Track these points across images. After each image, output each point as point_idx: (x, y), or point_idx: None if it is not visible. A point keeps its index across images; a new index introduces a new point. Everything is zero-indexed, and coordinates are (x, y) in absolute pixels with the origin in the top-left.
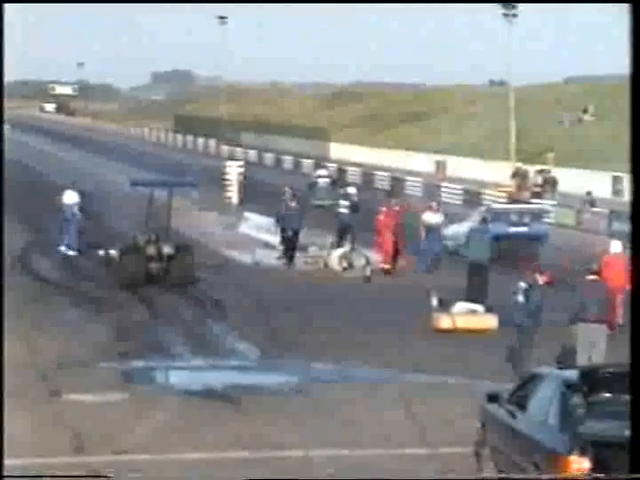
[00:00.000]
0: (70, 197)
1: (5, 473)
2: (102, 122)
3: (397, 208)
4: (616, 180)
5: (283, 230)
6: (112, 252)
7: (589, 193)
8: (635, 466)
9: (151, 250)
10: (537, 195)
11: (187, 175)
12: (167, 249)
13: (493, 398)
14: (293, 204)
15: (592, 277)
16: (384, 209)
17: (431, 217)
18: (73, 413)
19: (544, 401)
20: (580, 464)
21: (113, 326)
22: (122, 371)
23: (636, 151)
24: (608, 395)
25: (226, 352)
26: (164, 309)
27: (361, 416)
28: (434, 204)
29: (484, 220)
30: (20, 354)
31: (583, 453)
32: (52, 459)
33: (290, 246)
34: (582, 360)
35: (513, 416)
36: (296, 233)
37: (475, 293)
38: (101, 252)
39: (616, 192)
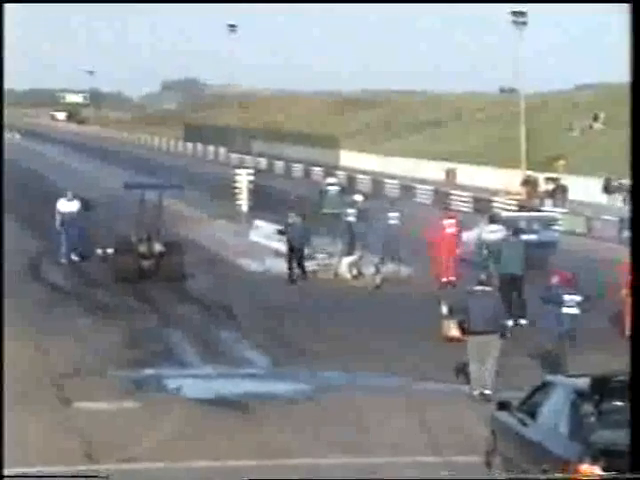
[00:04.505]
0: (65, 205)
1: (6, 474)
2: (112, 130)
3: (453, 221)
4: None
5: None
6: (108, 251)
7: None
8: (635, 466)
9: (143, 248)
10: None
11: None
12: (158, 247)
13: (503, 406)
14: (296, 218)
15: (481, 287)
16: (441, 222)
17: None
18: (84, 421)
19: (555, 409)
20: (591, 472)
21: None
22: (133, 379)
23: (636, 156)
24: (619, 403)
25: (235, 359)
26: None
27: (371, 423)
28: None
29: (517, 231)
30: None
31: (594, 461)
32: (63, 467)
33: (293, 262)
34: (475, 373)
35: (524, 424)
36: (300, 249)
37: (513, 308)
38: (99, 251)
39: (626, 199)
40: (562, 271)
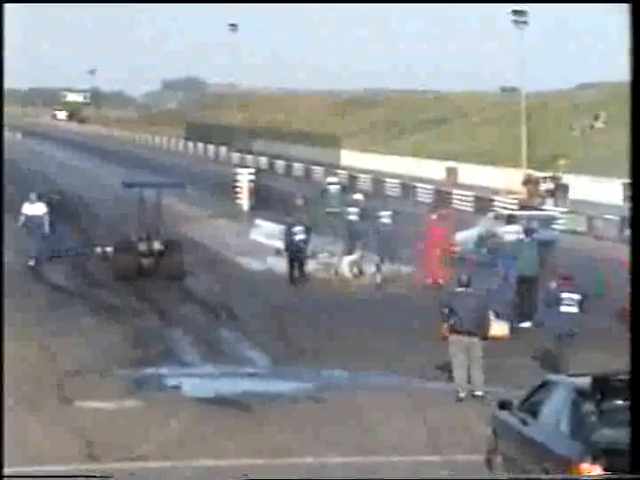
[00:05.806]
0: (31, 208)
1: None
2: (114, 129)
3: (444, 219)
4: (627, 187)
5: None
6: (108, 249)
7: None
8: (636, 466)
9: (142, 246)
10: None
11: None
12: (157, 245)
13: (504, 405)
14: (298, 228)
15: (463, 288)
16: (431, 221)
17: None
18: (86, 420)
19: (556, 408)
20: (592, 472)
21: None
22: (134, 378)
23: (636, 156)
24: (620, 402)
25: (236, 358)
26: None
27: (372, 422)
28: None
29: (531, 231)
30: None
31: (595, 460)
32: (64, 466)
33: (294, 262)
34: (459, 374)
35: (525, 423)
36: (301, 251)
37: (524, 308)
38: (98, 249)
39: (627, 199)
40: (561, 270)
